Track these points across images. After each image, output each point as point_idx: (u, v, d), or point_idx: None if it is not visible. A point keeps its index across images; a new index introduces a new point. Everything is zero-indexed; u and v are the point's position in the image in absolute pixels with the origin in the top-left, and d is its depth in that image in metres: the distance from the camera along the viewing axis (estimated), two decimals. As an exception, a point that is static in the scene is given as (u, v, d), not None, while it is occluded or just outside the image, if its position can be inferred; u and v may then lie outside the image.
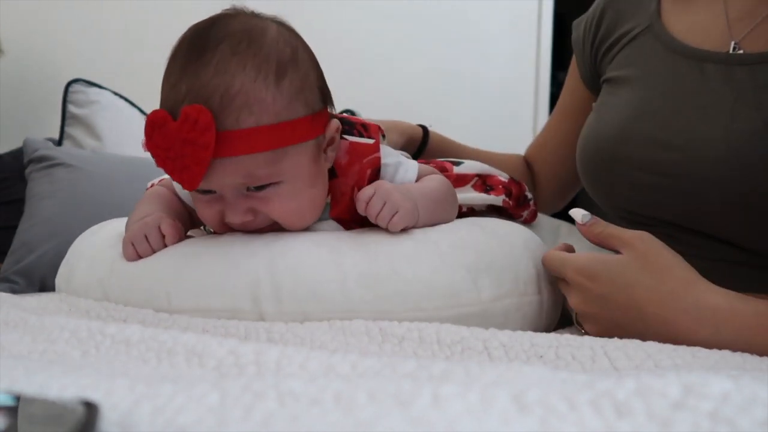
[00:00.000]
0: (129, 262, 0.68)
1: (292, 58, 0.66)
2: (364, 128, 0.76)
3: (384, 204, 0.65)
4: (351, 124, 0.76)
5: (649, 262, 0.61)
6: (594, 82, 0.93)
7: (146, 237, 0.68)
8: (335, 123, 0.70)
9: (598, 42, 0.91)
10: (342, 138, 0.73)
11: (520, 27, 2.40)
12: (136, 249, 0.68)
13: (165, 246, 0.69)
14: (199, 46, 0.63)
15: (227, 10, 0.67)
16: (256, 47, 0.63)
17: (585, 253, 0.66)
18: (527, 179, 1.05)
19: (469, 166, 0.87)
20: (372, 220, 0.66)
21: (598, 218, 0.68)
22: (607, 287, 0.61)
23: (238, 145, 0.61)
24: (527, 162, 1.09)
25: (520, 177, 1.02)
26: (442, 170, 0.85)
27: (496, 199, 0.84)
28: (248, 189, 0.65)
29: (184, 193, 0.77)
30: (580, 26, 0.96)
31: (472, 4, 2.32)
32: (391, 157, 0.76)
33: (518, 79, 2.41)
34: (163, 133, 0.62)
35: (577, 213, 0.69)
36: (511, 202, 0.85)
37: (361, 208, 0.66)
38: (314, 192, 0.69)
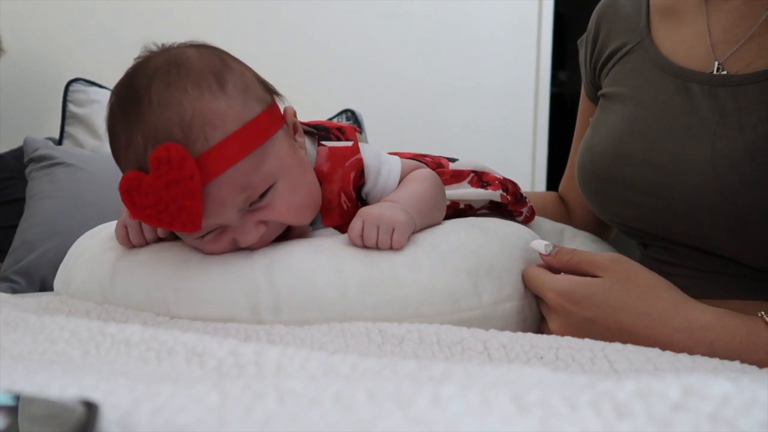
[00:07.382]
0: (122, 245, 0.70)
1: (222, 65, 0.64)
2: (340, 132, 0.75)
3: (378, 229, 0.63)
4: (326, 130, 0.75)
5: (633, 285, 0.61)
6: (597, 99, 0.92)
7: (140, 224, 0.69)
8: (291, 109, 0.70)
9: (595, 57, 0.91)
10: (320, 145, 0.73)
11: (520, 27, 2.40)
12: (129, 235, 0.69)
13: (157, 237, 0.70)
14: (131, 97, 0.61)
15: (138, 58, 0.65)
16: (186, 69, 0.62)
17: (566, 276, 0.65)
18: (564, 215, 1.04)
19: (464, 163, 0.87)
20: (373, 247, 0.64)
21: (561, 246, 0.67)
22: (592, 311, 0.61)
23: (219, 162, 0.60)
24: (561, 198, 1.07)
25: (556, 214, 1.02)
26: (438, 166, 0.85)
27: (494, 193, 0.83)
28: (251, 205, 0.64)
29: None
30: (582, 45, 0.96)
31: (472, 4, 2.32)
32: (371, 157, 0.75)
33: (518, 79, 2.41)
34: (142, 190, 0.59)
35: (539, 244, 0.68)
36: (509, 197, 0.85)
37: (357, 244, 0.64)
38: (308, 180, 0.69)
